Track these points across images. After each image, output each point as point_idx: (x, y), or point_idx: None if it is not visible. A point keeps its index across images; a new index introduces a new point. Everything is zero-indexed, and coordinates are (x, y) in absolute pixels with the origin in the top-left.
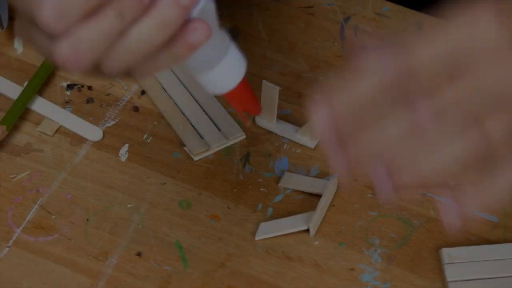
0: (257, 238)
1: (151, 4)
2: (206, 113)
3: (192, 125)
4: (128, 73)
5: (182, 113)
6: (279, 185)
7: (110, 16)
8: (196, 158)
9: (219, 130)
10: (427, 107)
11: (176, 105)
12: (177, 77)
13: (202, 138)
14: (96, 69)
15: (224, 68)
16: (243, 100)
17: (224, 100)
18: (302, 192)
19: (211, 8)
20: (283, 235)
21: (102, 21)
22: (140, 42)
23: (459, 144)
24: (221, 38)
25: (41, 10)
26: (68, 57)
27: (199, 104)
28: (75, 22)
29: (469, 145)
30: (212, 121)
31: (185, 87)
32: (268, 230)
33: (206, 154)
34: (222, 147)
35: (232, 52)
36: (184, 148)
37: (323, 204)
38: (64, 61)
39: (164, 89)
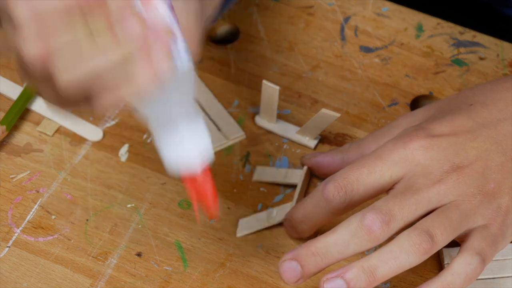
0: (238, 235)
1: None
2: (206, 113)
3: None
4: (86, 99)
5: None
6: (252, 180)
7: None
8: None
9: (219, 130)
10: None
11: None
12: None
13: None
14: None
15: (186, 140)
16: (202, 193)
17: (224, 100)
18: None
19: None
20: (283, 235)
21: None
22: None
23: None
24: (189, 102)
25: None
26: (37, 56)
27: (199, 104)
28: (47, 24)
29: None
30: (212, 121)
31: None
32: (248, 226)
33: None
34: (222, 147)
35: (198, 127)
36: None
37: (298, 194)
38: (32, 58)
39: None
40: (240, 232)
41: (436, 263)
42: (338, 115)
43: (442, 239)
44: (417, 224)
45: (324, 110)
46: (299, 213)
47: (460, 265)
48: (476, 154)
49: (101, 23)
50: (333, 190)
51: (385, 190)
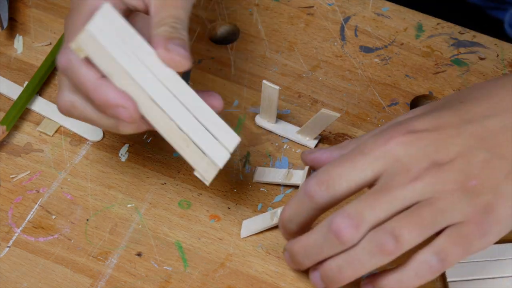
0: (242, 236)
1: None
2: (198, 121)
3: (193, 142)
4: None
5: (179, 128)
6: (253, 180)
7: None
8: (209, 184)
9: (215, 138)
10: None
11: (171, 119)
12: (167, 88)
13: (204, 154)
14: None
15: None
16: None
17: (224, 100)
18: None
19: None
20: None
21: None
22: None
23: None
24: None
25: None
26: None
27: (189, 112)
28: None
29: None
30: (207, 129)
31: (174, 96)
32: (252, 226)
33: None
34: (227, 160)
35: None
36: (195, 173)
37: None
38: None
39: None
40: (245, 233)
41: None
42: (338, 115)
43: (411, 238)
44: (384, 224)
45: (324, 110)
46: (286, 213)
47: (415, 262)
48: (458, 151)
49: None
50: (314, 186)
51: (368, 185)
